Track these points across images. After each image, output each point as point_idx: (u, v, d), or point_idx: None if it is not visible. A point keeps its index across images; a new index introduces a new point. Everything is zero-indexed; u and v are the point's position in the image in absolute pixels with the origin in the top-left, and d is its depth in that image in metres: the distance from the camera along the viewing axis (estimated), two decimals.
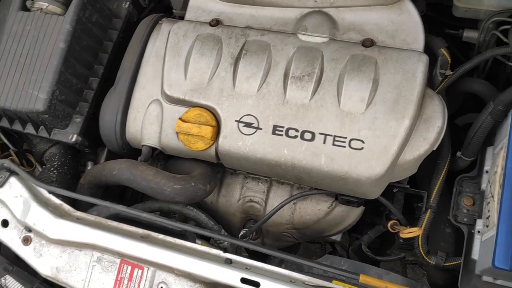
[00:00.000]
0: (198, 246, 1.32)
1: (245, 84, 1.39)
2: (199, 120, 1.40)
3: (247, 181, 1.61)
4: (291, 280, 1.21)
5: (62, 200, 1.46)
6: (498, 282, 1.29)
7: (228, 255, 1.28)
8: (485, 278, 1.32)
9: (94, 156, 1.71)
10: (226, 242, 1.49)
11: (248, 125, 1.37)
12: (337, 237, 1.72)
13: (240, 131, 1.37)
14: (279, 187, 1.59)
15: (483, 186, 1.40)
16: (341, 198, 1.47)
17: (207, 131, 1.38)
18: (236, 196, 1.61)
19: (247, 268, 1.24)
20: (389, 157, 1.27)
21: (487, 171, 1.39)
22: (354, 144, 1.29)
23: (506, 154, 1.18)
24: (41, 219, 1.38)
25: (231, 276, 1.22)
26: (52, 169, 1.61)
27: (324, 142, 1.31)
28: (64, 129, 1.57)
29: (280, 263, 1.52)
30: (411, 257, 1.67)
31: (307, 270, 1.38)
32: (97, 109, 1.59)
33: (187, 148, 1.44)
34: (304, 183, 1.47)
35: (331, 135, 1.30)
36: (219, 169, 1.59)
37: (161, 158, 1.66)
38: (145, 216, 1.36)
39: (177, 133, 1.43)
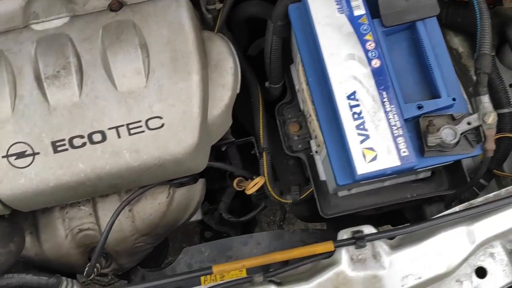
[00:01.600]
0: None
1: None
2: None
3: (66, 211, 1.33)
4: None
5: None
6: (353, 191, 1.26)
7: None
8: (340, 193, 1.28)
9: None
10: None
11: (21, 155, 1.08)
12: (197, 217, 1.57)
13: (14, 166, 1.08)
14: (105, 201, 1.34)
15: (302, 106, 1.32)
16: (173, 183, 1.29)
17: None
18: (61, 234, 1.33)
19: None
20: (195, 122, 1.10)
21: (298, 90, 1.31)
22: (152, 123, 1.09)
23: (304, 68, 1.08)
24: None
25: None
26: None
27: (119, 136, 1.09)
28: None
29: (142, 278, 1.33)
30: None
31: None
32: None
33: None
34: (122, 188, 1.25)
35: (122, 125, 1.09)
36: (20, 218, 1.28)
37: None
38: None
39: None
